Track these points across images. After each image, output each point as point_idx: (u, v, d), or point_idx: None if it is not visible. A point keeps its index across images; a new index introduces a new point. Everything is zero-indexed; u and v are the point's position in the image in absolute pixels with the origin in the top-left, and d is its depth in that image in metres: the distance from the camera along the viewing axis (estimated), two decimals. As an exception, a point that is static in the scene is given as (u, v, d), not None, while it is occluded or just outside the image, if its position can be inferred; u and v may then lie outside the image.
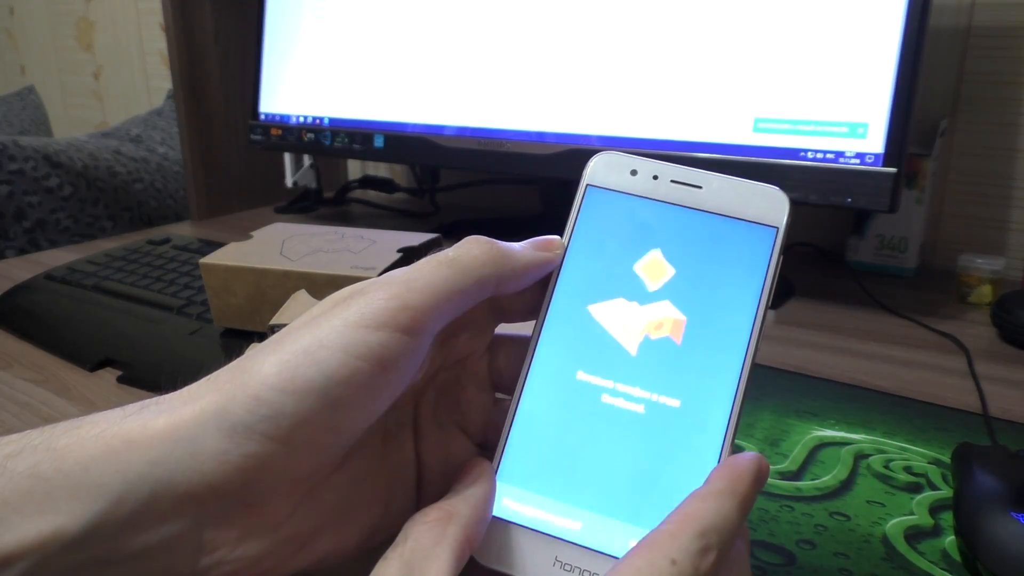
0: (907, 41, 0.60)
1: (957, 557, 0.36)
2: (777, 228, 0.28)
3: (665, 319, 0.26)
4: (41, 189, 1.07)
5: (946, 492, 0.42)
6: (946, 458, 0.45)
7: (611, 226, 0.28)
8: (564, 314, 0.27)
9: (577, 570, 0.24)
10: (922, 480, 0.43)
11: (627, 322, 0.26)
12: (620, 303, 0.27)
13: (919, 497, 0.41)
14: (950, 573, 0.35)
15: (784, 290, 0.74)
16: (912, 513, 0.40)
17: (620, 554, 0.24)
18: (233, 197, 1.12)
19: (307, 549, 0.24)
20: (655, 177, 0.28)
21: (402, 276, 0.24)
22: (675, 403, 0.26)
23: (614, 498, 0.25)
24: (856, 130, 0.63)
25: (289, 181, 1.10)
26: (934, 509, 0.40)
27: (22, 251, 1.05)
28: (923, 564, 0.36)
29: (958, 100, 0.82)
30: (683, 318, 0.26)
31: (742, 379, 0.26)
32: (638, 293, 0.27)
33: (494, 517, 0.25)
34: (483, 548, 0.25)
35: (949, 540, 0.38)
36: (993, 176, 0.82)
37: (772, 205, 0.28)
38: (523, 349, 0.27)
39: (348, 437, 0.23)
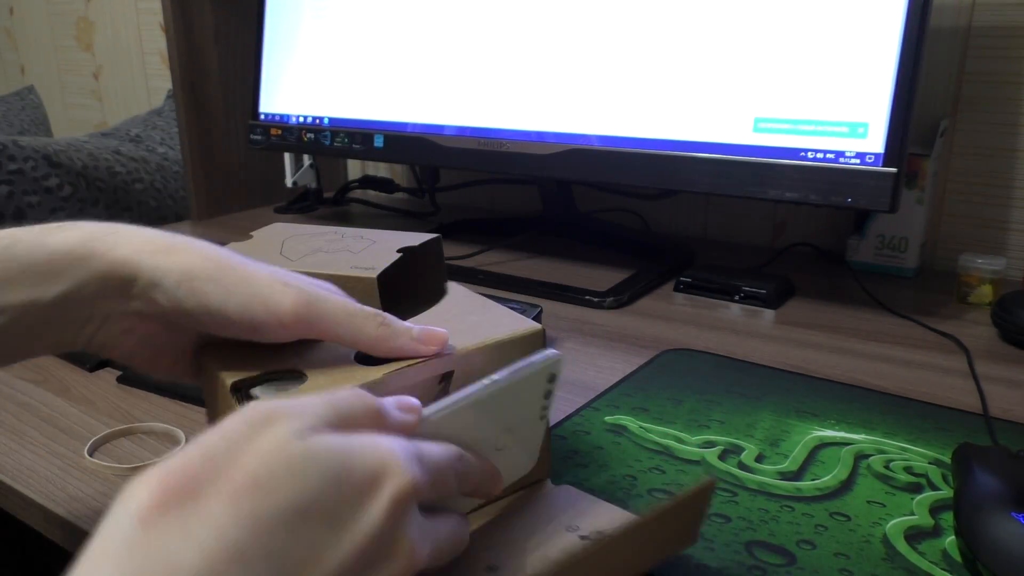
0: (907, 41, 0.60)
1: (958, 557, 0.36)
2: None
3: None
4: (41, 189, 1.07)
5: (946, 492, 0.42)
6: (946, 458, 0.45)
7: None
8: None
9: None
10: (922, 480, 0.43)
11: None
12: None
13: (919, 497, 0.41)
14: (950, 573, 0.35)
15: (784, 290, 0.74)
16: (912, 513, 0.40)
17: None
18: (233, 197, 1.12)
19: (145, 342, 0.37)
20: None
21: (314, 292, 0.35)
22: None
23: None
24: (856, 130, 0.63)
25: (289, 181, 1.10)
26: (934, 509, 0.40)
27: (22, 251, 1.05)
28: (923, 564, 0.36)
29: (958, 100, 0.82)
30: None
31: None
32: None
33: None
34: None
35: (949, 540, 0.38)
36: (993, 176, 0.82)
37: None
38: None
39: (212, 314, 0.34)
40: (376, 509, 0.25)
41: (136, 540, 0.22)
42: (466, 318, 0.40)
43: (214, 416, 0.37)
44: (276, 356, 0.36)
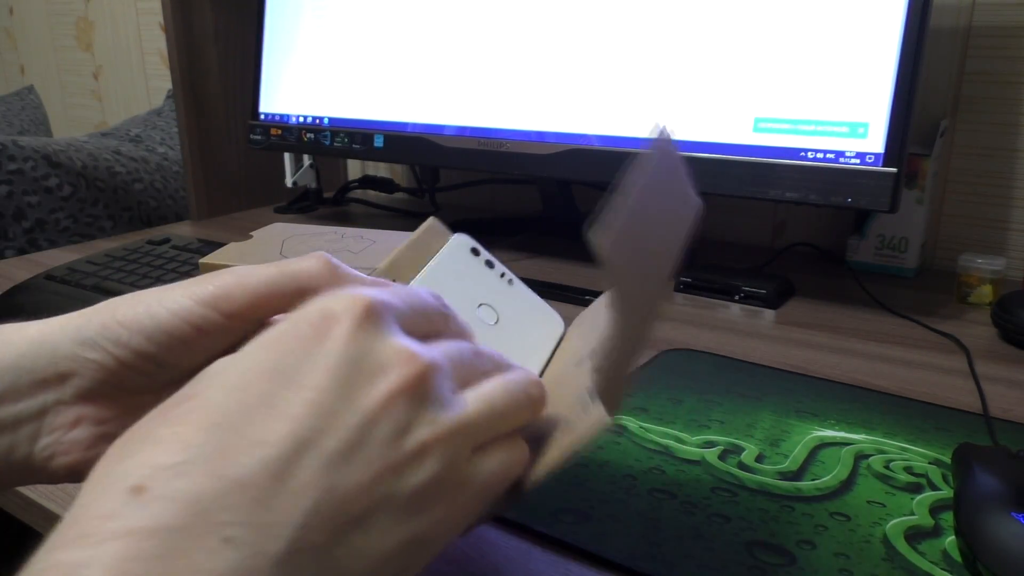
0: (907, 41, 0.60)
1: (958, 558, 0.36)
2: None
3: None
4: (40, 189, 1.07)
5: (947, 492, 0.42)
6: (946, 458, 0.45)
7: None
8: None
9: None
10: (922, 480, 0.43)
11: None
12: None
13: (919, 497, 0.41)
14: (951, 574, 0.35)
15: (784, 290, 0.74)
16: (912, 513, 0.40)
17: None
18: (233, 197, 1.12)
19: None
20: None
21: (242, 271, 0.31)
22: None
23: None
24: (856, 130, 0.63)
25: (289, 181, 1.10)
26: (935, 509, 0.40)
27: (22, 251, 1.05)
28: (924, 564, 0.36)
29: (958, 100, 0.82)
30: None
31: None
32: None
33: None
34: None
35: (950, 540, 0.38)
36: (993, 176, 0.82)
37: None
38: None
39: (168, 371, 0.31)
40: (338, 331, 0.26)
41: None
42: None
43: None
44: None
